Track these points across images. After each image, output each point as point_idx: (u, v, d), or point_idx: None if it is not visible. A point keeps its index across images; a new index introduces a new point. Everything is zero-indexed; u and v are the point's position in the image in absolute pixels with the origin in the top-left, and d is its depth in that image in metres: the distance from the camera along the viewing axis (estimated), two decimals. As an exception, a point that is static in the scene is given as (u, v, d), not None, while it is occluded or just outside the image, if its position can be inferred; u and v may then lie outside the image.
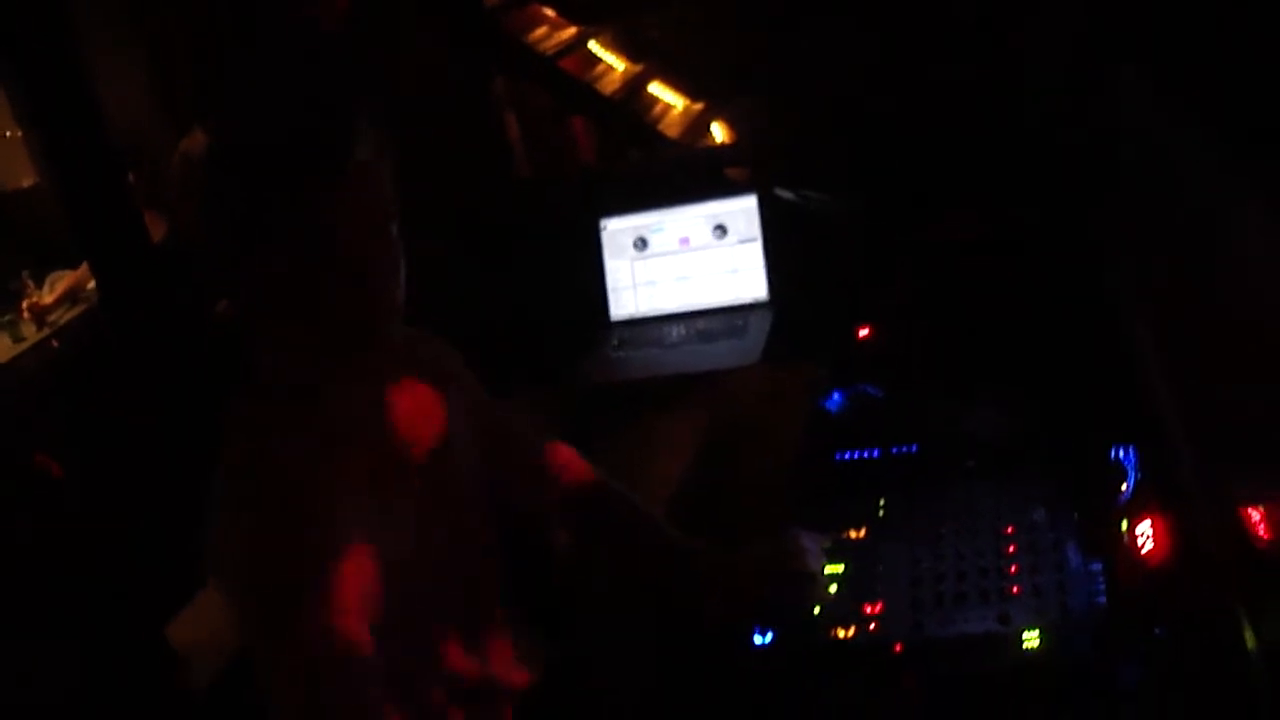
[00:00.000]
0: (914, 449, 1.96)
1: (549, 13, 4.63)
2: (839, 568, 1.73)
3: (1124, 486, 1.56)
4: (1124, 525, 1.48)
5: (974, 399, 1.99)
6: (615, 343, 3.01)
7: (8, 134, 4.78)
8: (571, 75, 4.46)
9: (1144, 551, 1.39)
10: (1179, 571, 1.32)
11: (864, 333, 2.35)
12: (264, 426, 1.55)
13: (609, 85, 4.64)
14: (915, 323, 2.30)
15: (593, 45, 4.75)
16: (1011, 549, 1.63)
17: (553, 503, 1.98)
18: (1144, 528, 1.41)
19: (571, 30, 4.69)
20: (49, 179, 3.08)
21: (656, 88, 4.79)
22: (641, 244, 3.03)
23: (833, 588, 1.69)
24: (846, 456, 2.02)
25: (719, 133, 4.70)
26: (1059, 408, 1.86)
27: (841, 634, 1.61)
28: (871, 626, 1.60)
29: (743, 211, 2.88)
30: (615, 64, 4.77)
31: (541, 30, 4.62)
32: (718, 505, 2.25)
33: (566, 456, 1.99)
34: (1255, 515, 1.19)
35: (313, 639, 1.42)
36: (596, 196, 3.18)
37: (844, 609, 1.65)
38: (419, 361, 1.76)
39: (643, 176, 3.44)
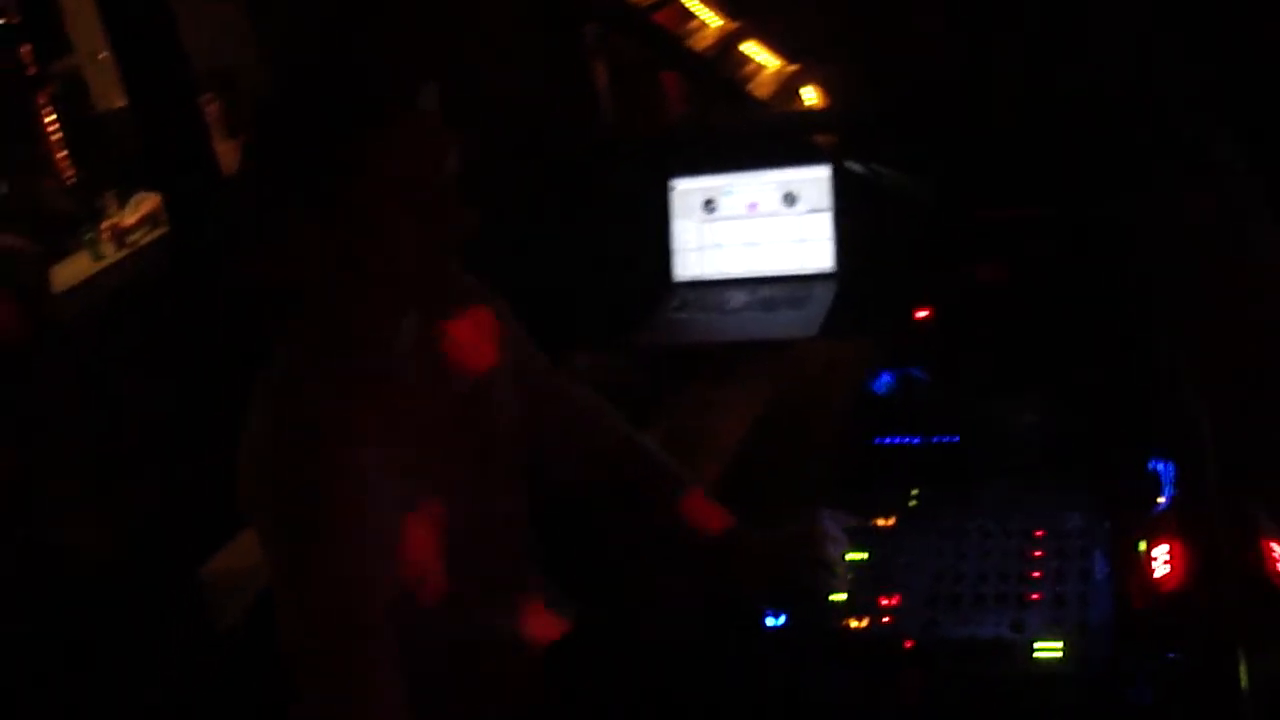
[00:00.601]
0: (955, 440, 1.90)
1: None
2: (861, 555, 1.68)
3: (1159, 500, 1.49)
4: (1142, 545, 1.41)
5: (1021, 395, 1.92)
6: (677, 304, 2.97)
7: (101, 55, 4.83)
8: (664, 28, 4.40)
9: (1157, 576, 1.33)
10: (1189, 600, 1.26)
11: (922, 314, 2.29)
12: (305, 371, 1.55)
13: (702, 41, 4.58)
14: (973, 311, 2.22)
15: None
16: (1038, 554, 1.57)
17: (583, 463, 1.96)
18: (1161, 551, 1.35)
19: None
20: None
21: (750, 47, 4.72)
22: (710, 206, 2.98)
23: (852, 575, 1.64)
24: (886, 441, 1.96)
25: (809, 98, 4.61)
26: (1105, 413, 1.78)
27: (854, 624, 1.57)
28: (885, 619, 1.55)
29: (815, 181, 2.82)
30: (710, 19, 4.70)
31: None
32: (767, 480, 2.20)
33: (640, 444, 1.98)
34: (1277, 549, 1.12)
35: (331, 582, 1.43)
36: (669, 155, 3.12)
37: (860, 598, 1.60)
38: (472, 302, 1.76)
39: (717, 138, 3.37)
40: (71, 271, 4.64)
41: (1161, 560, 1.34)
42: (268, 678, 1.50)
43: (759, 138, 3.21)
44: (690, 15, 4.71)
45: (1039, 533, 1.60)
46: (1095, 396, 1.83)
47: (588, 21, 4.19)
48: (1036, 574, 1.53)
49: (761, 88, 4.53)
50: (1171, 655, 1.26)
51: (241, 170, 1.53)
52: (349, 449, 1.48)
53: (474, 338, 1.74)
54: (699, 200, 2.99)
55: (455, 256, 1.53)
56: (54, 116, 5.24)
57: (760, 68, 4.73)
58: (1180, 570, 1.31)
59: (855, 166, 2.73)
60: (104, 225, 4.85)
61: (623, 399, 2.71)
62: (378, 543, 1.48)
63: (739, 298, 2.89)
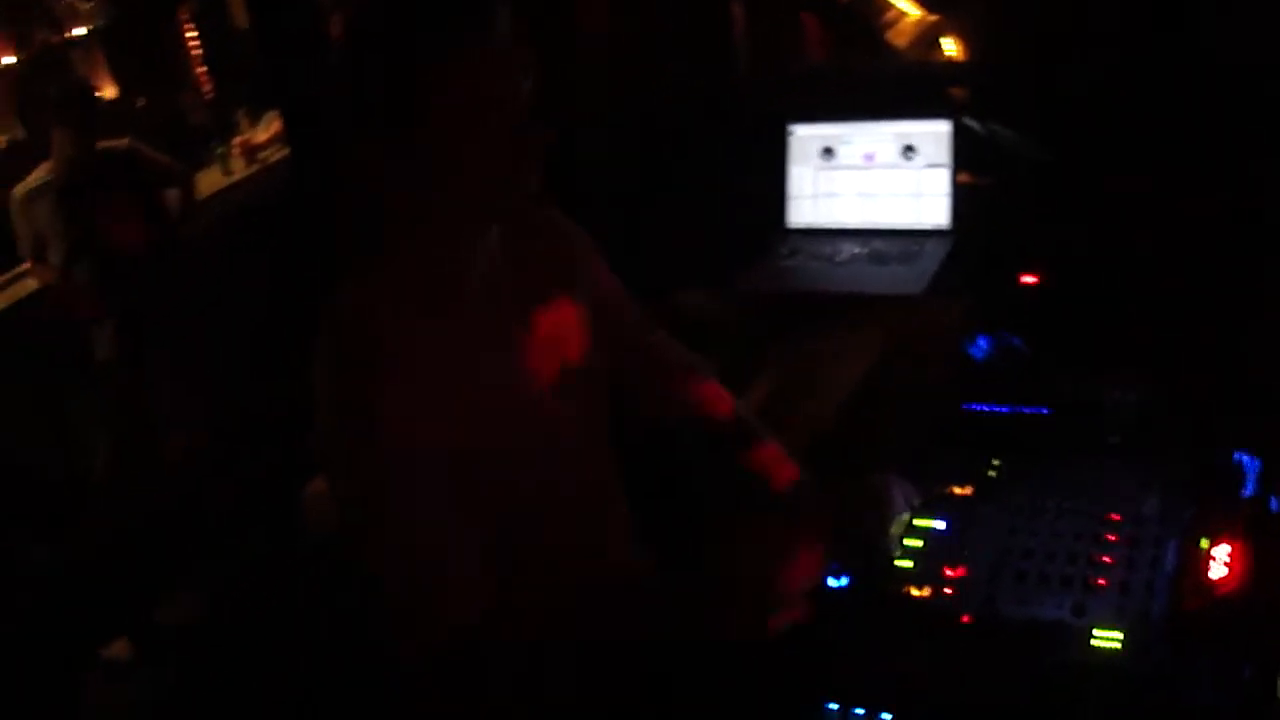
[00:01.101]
0: (1044, 412, 1.85)
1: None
2: (933, 523, 1.65)
3: (1241, 491, 1.43)
4: (1205, 543, 1.35)
5: (1118, 373, 1.85)
6: (788, 251, 2.93)
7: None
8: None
9: (1214, 576, 1.27)
10: (1242, 606, 1.20)
11: (1028, 280, 2.22)
12: (376, 295, 1.55)
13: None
14: (1078, 282, 2.15)
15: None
16: (1111, 538, 1.52)
17: (684, 429, 1.93)
18: (1222, 551, 1.29)
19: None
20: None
21: (889, -9, 4.58)
22: (828, 154, 2.92)
23: (920, 542, 1.61)
24: (975, 407, 1.91)
25: (949, 50, 4.47)
26: (1199, 398, 1.71)
27: (915, 592, 1.54)
28: (947, 590, 1.53)
29: (934, 135, 2.74)
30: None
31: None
32: (864, 435, 2.17)
33: (712, 393, 1.92)
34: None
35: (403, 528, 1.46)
36: (790, 100, 3.07)
37: (926, 566, 1.58)
38: (557, 261, 1.75)
39: (837, 85, 3.29)
40: (203, 183, 4.75)
41: (1221, 561, 1.28)
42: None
43: (880, 87, 3.12)
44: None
45: (1115, 516, 1.56)
46: (1192, 381, 1.76)
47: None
48: (1106, 559, 1.48)
49: (900, 36, 4.38)
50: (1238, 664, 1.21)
51: (328, 91, 1.55)
52: (412, 381, 1.48)
53: (549, 267, 1.73)
54: (817, 147, 2.94)
55: (532, 182, 1.52)
56: (195, 33, 5.35)
57: (901, 15, 4.58)
58: (1238, 573, 1.25)
59: (973, 124, 2.64)
60: (236, 141, 4.95)
61: (728, 339, 2.73)
62: (444, 473, 1.48)
63: (850, 249, 2.84)
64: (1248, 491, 1.45)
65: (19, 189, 4.67)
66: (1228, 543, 1.31)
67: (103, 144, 4.58)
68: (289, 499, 2.49)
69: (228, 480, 2.92)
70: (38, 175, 4.65)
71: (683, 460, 2.00)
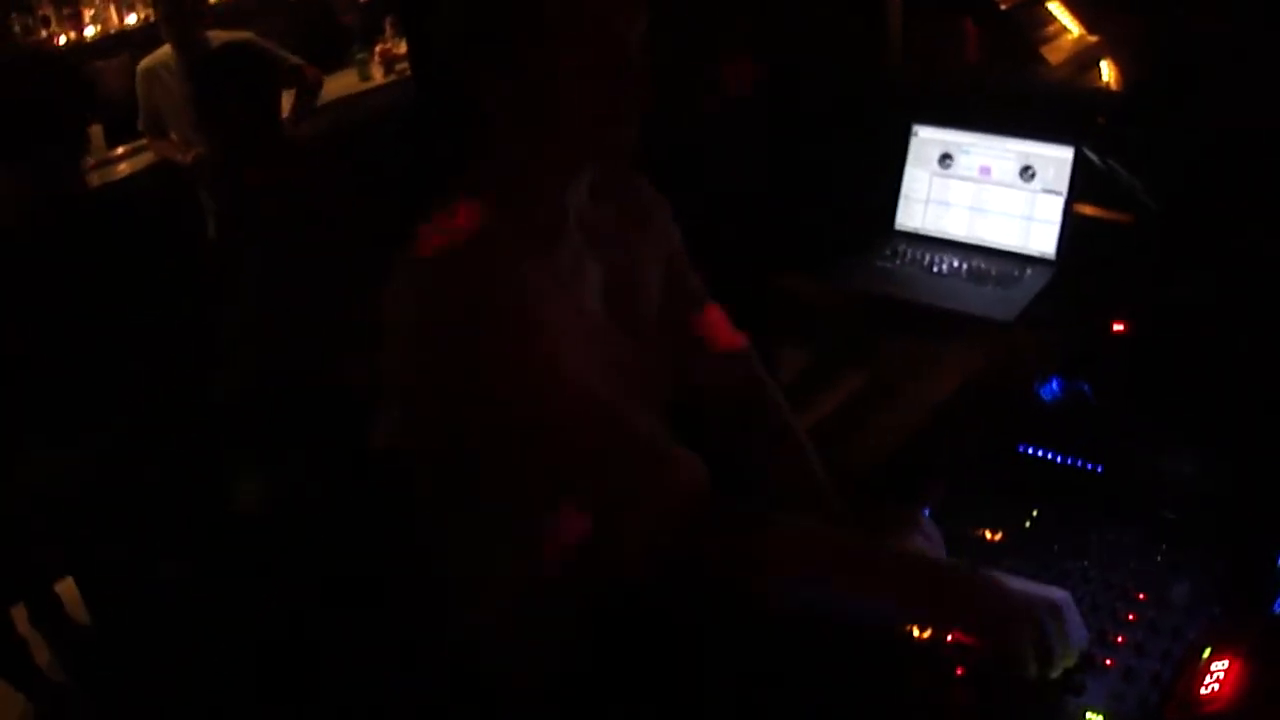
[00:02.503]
0: (1098, 469, 1.76)
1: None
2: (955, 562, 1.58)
3: (1271, 605, 1.34)
4: (1206, 652, 1.27)
5: (1184, 443, 1.75)
6: (889, 252, 2.86)
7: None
8: (971, -31, 4.17)
9: (1203, 691, 1.19)
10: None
11: (1118, 327, 2.12)
12: (482, 233, 1.50)
13: (1005, -13, 4.31)
14: (1167, 341, 2.04)
15: (1001, -59, 4.42)
16: (1131, 617, 1.44)
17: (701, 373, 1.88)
18: (1220, 666, 1.20)
19: (982, -80, 4.38)
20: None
21: (1055, 7, 4.43)
22: (946, 161, 2.83)
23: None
24: (1028, 450, 1.84)
25: (1106, 74, 4.31)
26: (1266, 491, 1.61)
27: (916, 632, 1.48)
28: (949, 637, 1.46)
29: (1056, 160, 2.63)
30: (1022, -30, 4.43)
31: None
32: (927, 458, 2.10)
33: (716, 318, 1.88)
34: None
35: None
36: (918, 100, 2.98)
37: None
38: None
39: (970, 93, 3.19)
40: (338, 85, 4.77)
41: (1216, 675, 1.20)
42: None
43: (1010, 101, 3.01)
44: (1002, -40, 4.45)
45: (1141, 595, 1.47)
46: (1264, 472, 1.65)
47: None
48: (1120, 638, 1.40)
49: (1056, 53, 4.25)
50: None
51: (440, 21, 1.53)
52: (538, 304, 1.46)
53: (630, 219, 1.74)
54: (937, 152, 2.85)
55: (634, 128, 1.52)
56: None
57: (1061, 31, 4.43)
58: (1229, 694, 1.16)
59: (1093, 156, 2.53)
60: (378, 48, 4.96)
61: (825, 328, 2.68)
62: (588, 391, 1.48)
63: (951, 261, 2.76)
64: (1279, 604, 1.35)
65: (141, 64, 4.76)
66: (1229, 659, 1.22)
67: (220, 37, 4.64)
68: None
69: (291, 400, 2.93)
70: (159, 54, 4.73)
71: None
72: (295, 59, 4.53)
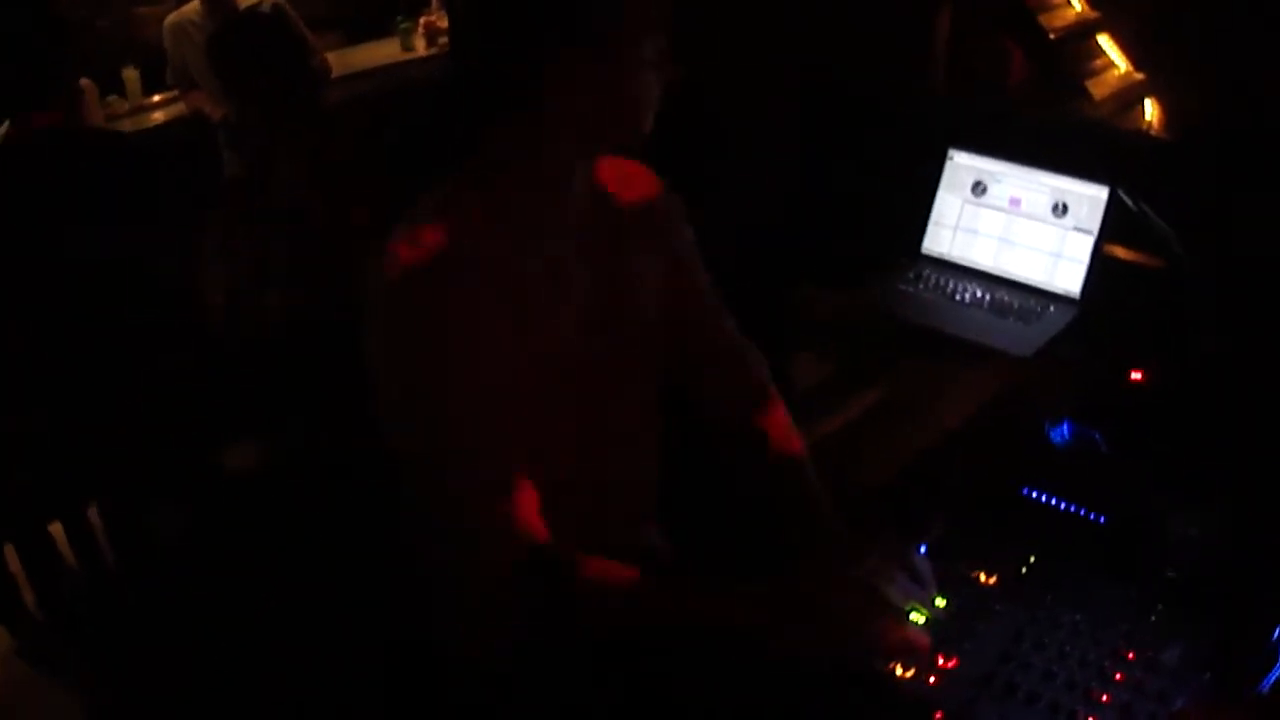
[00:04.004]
0: (1101, 520, 1.73)
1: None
2: (943, 602, 1.55)
3: (1259, 682, 1.31)
4: None
5: (1193, 501, 1.72)
6: (913, 275, 2.82)
7: None
8: None
9: None
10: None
11: (1136, 376, 2.09)
12: (464, 198, 1.57)
13: (1056, 20, 4.29)
14: (1185, 396, 2.01)
15: (1057, -28, 4.40)
16: (1118, 677, 1.41)
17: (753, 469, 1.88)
18: None
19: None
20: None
21: (1105, 41, 4.40)
22: (979, 189, 2.80)
23: (920, 618, 1.52)
24: (1031, 494, 1.80)
25: (1149, 111, 4.28)
26: (1262, 557, 1.58)
27: (899, 671, 1.45)
28: (932, 680, 1.43)
29: (1090, 199, 2.60)
30: (1073, 2, 4.40)
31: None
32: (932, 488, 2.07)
33: (779, 421, 1.88)
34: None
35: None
36: (957, 124, 2.94)
37: (920, 648, 1.48)
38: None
39: (1010, 122, 3.15)
40: (379, 53, 4.75)
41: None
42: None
43: (1048, 134, 2.97)
44: (1055, -10, 4.43)
45: (1130, 654, 1.44)
46: (1263, 537, 1.62)
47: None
48: (1105, 697, 1.38)
49: (1101, 86, 4.22)
50: None
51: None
52: (472, 339, 1.49)
53: (636, 216, 1.75)
54: (970, 179, 2.81)
55: (648, 123, 1.54)
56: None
57: (1108, 65, 4.40)
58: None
59: (1127, 199, 2.49)
60: (422, 19, 4.94)
61: (845, 342, 2.65)
62: (498, 384, 1.50)
63: (974, 291, 2.72)
64: (1267, 682, 1.32)
65: (169, 19, 4.75)
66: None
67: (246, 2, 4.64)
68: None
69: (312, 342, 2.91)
70: (187, 9, 4.72)
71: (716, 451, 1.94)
72: (311, 41, 4.52)
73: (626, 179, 1.75)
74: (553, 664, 1.63)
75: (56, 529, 2.85)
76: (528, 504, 1.50)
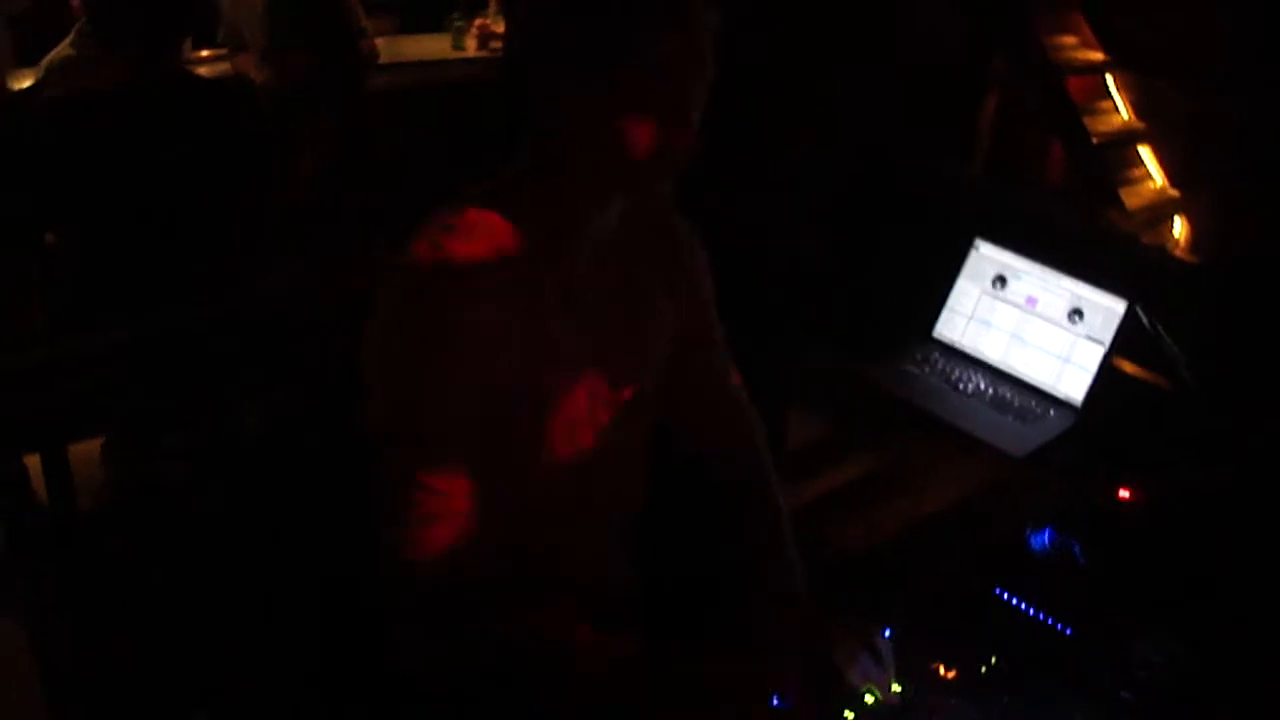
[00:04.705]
0: (1068, 632, 1.73)
1: (1086, 28, 4.33)
2: (899, 688, 1.55)
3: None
4: None
5: (1161, 627, 1.72)
6: (920, 357, 2.83)
7: None
8: (1069, 96, 4.16)
9: None
10: None
11: (1124, 494, 2.09)
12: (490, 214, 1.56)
13: (1101, 124, 4.31)
14: (1175, 520, 2.01)
15: (1109, 79, 4.42)
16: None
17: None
18: None
19: (1098, 55, 4.38)
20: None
21: (1145, 152, 4.42)
22: (999, 282, 2.80)
23: (870, 699, 1.51)
24: (1004, 596, 1.80)
25: (1177, 229, 4.30)
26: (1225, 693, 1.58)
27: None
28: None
29: (1106, 310, 2.60)
30: (1120, 109, 4.42)
31: (1069, 39, 4.34)
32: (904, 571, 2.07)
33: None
34: None
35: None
36: (989, 215, 2.96)
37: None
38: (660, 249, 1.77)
39: (1042, 221, 3.17)
40: (429, 46, 4.76)
41: None
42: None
43: (1075, 239, 2.98)
44: (1105, 95, 4.45)
45: (1075, 773, 1.44)
46: (1226, 673, 1.62)
47: (999, 51, 4.04)
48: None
49: (1134, 197, 4.24)
50: None
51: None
52: (472, 349, 1.50)
53: (657, 259, 1.76)
54: (993, 271, 2.82)
55: (676, 170, 1.54)
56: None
57: (1145, 177, 4.43)
58: None
59: (1144, 317, 2.50)
60: (477, 21, 4.95)
61: (834, 409, 2.66)
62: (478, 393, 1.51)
63: (979, 383, 2.73)
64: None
65: None
66: None
67: None
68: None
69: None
70: None
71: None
72: (365, 24, 4.54)
73: (657, 218, 1.76)
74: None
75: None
76: (465, 535, 1.50)
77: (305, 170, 3.19)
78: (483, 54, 4.91)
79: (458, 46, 4.94)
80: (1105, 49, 4.42)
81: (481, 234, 1.53)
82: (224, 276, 3.13)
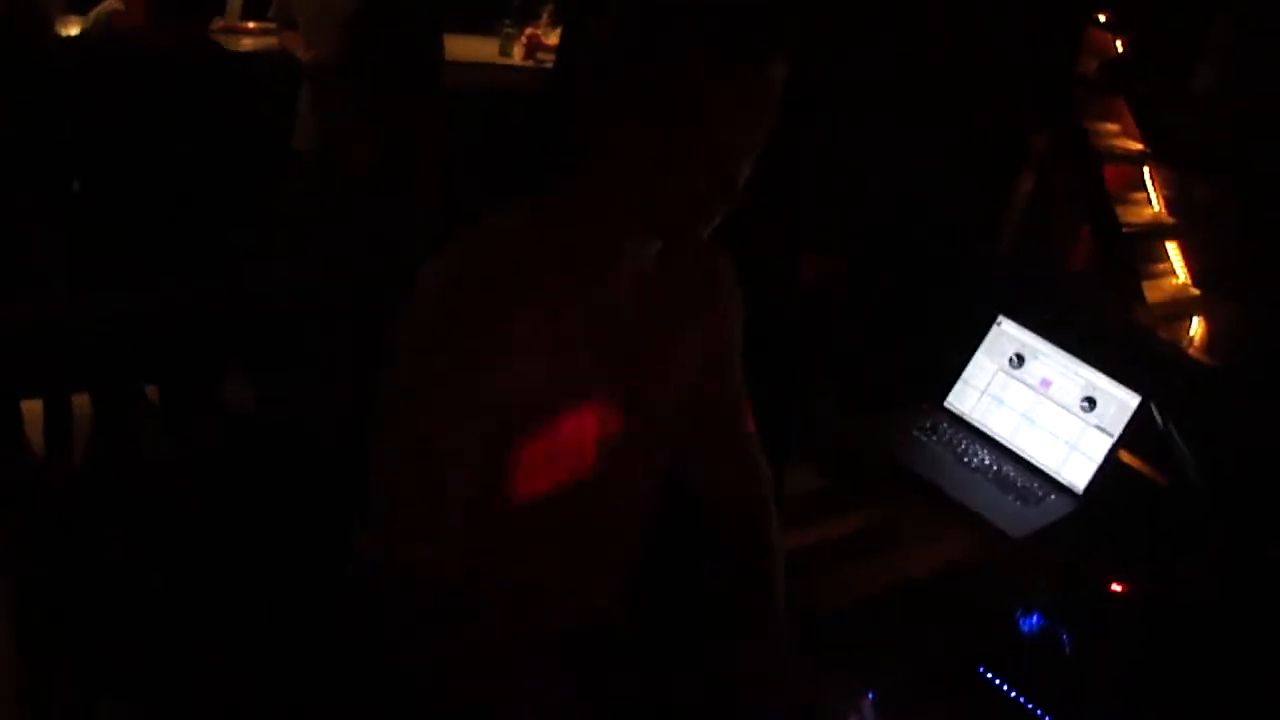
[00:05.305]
0: (1047, 720, 1.74)
1: (1128, 117, 4.36)
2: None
3: None
4: None
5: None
6: (929, 425, 2.84)
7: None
8: (1104, 183, 4.19)
9: None
10: None
11: (1117, 587, 2.10)
12: (517, 238, 1.57)
13: (1132, 215, 4.34)
14: (1163, 619, 2.02)
15: (1146, 171, 4.44)
16: None
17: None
18: None
19: (1137, 145, 4.41)
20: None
21: (1171, 248, 4.45)
22: (1017, 361, 2.82)
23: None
24: (988, 675, 1.81)
25: (1195, 328, 4.32)
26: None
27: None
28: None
29: (1119, 403, 2.62)
30: (1153, 201, 4.45)
31: (1111, 127, 4.37)
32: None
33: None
34: None
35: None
36: (1015, 292, 2.98)
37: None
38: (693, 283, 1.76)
39: (1070, 305, 3.19)
40: (476, 49, 4.77)
41: None
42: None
43: (1097, 329, 3.00)
44: (1140, 187, 4.47)
45: None
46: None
47: (1040, 130, 4.07)
48: None
49: (1156, 291, 4.26)
50: None
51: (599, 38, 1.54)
52: (509, 319, 1.50)
53: (690, 297, 1.75)
54: (1012, 349, 2.84)
55: (712, 217, 1.52)
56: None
57: (1169, 272, 4.45)
58: None
59: (1156, 415, 2.52)
60: (527, 30, 4.97)
61: (835, 464, 2.66)
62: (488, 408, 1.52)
63: (984, 459, 2.74)
64: None
65: None
66: None
67: None
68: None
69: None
70: None
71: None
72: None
73: (699, 258, 1.76)
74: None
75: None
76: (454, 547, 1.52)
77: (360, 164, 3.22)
78: (528, 63, 4.92)
79: (505, 53, 4.95)
80: (1145, 140, 4.46)
81: (514, 252, 1.54)
82: (231, 251, 3.16)
